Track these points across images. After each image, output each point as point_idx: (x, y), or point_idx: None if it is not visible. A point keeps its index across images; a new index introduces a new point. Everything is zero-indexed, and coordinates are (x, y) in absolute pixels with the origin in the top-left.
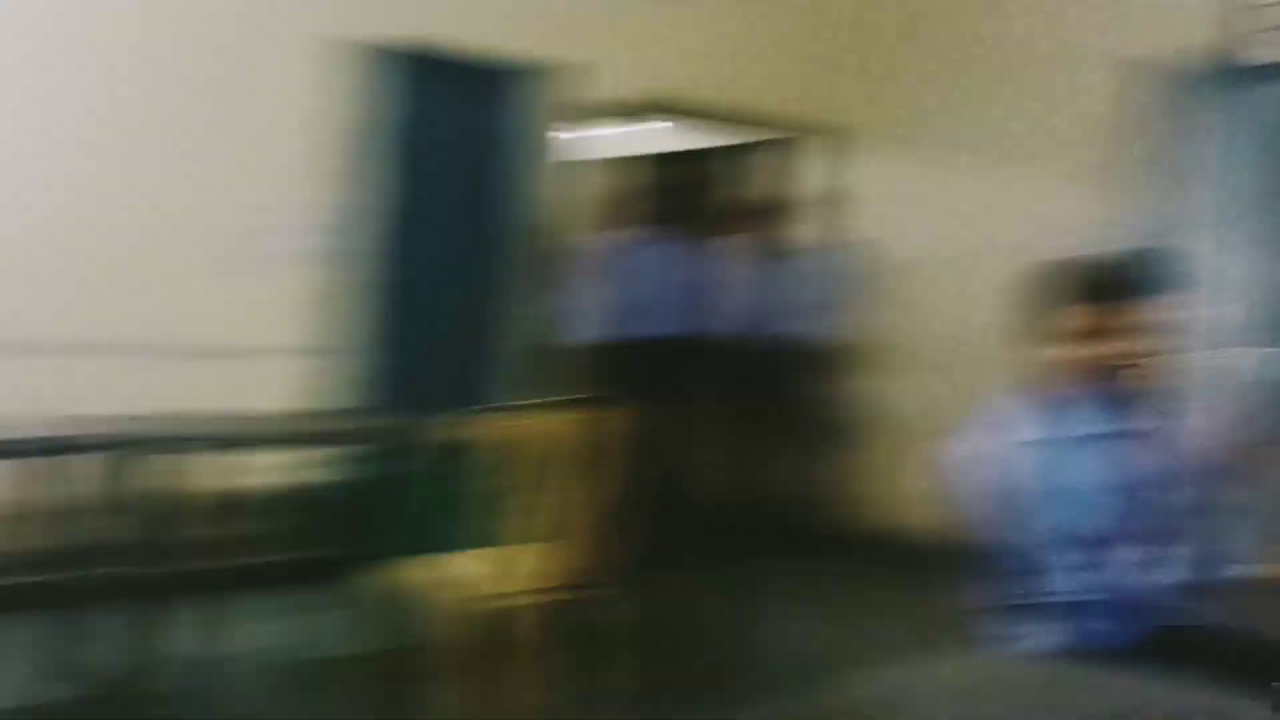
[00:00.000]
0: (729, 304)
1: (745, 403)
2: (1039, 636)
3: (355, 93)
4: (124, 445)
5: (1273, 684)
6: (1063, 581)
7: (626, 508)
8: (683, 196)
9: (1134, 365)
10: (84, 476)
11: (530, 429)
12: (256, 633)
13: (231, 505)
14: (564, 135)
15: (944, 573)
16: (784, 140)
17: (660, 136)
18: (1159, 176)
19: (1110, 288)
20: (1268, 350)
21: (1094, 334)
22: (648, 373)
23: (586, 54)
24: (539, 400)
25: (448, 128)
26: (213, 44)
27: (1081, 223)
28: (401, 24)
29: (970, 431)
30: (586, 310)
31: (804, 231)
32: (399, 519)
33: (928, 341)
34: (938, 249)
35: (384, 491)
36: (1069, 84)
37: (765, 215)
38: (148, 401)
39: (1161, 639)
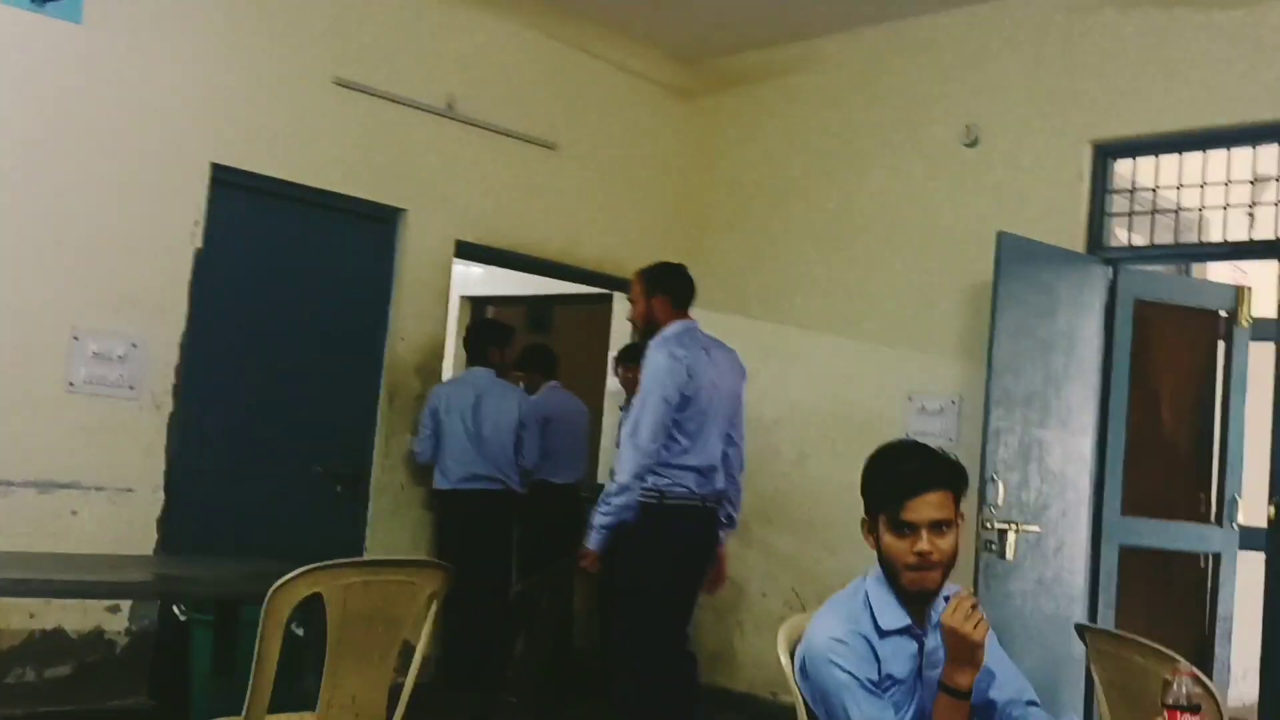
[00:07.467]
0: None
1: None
2: None
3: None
4: None
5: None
6: None
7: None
8: (489, 337)
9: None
10: None
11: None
12: None
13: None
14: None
15: None
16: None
17: (505, 280)
18: (1022, 351)
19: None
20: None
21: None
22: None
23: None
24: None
25: (296, 259)
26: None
27: (938, 390)
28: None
29: (830, 613)
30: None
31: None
32: (198, 675)
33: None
34: (786, 412)
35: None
36: (939, 256)
37: (536, 360)
38: None
39: None
